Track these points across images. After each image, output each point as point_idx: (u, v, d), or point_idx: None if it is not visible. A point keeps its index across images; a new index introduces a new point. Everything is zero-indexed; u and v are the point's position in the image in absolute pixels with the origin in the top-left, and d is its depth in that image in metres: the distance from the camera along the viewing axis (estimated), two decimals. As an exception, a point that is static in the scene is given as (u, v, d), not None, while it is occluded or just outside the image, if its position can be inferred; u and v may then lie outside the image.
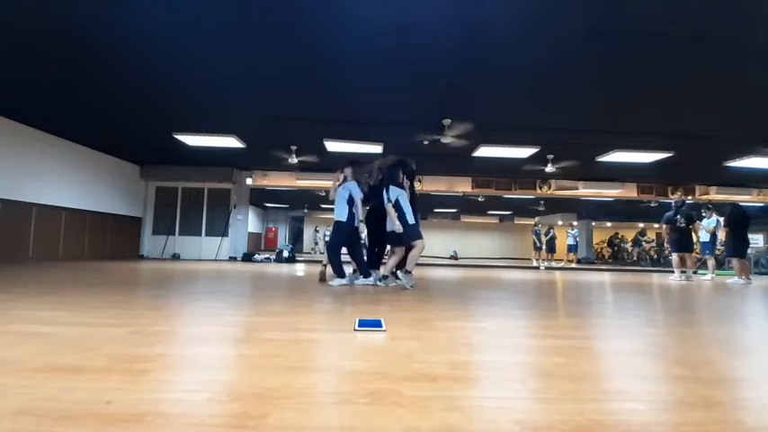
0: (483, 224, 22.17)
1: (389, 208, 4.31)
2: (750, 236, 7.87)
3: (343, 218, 4.54)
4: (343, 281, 4.46)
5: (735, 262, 7.44)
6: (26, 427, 0.92)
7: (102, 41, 4.23)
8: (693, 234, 7.57)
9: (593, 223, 18.24)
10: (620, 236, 18.43)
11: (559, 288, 5.36)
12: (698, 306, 3.80)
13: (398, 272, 4.50)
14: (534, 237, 13.81)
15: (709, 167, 9.09)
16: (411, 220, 4.33)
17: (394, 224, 4.28)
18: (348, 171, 4.71)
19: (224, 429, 0.94)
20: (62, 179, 8.01)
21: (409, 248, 4.46)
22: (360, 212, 4.60)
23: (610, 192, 11.34)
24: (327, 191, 5.47)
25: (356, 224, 4.59)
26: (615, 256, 17.54)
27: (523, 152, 7.98)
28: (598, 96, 5.49)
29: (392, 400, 1.13)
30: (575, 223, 17.29)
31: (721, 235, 8.99)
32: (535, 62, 4.49)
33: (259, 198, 17.12)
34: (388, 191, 4.36)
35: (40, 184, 7.47)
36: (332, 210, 4.85)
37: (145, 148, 8.96)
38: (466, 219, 22.05)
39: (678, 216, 7.46)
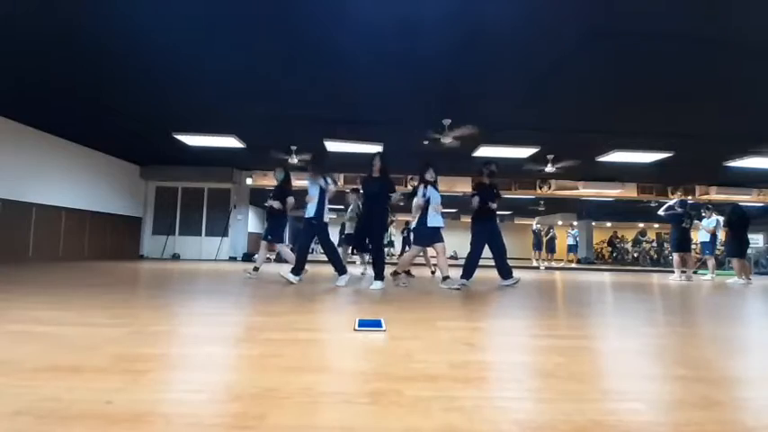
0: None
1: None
2: (750, 236, 7.87)
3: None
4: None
5: (735, 262, 7.44)
6: (26, 427, 0.92)
7: (102, 41, 4.23)
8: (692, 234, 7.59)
9: (593, 223, 18.24)
10: (620, 236, 18.43)
11: (559, 288, 5.36)
12: (698, 306, 3.80)
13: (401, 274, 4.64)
14: (533, 236, 13.86)
15: (709, 167, 9.09)
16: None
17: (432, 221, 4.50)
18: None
19: (224, 429, 0.94)
20: (62, 179, 8.01)
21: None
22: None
23: (610, 192, 11.34)
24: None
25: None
26: (615, 257, 17.55)
27: (523, 152, 7.98)
28: (598, 96, 5.48)
29: (392, 400, 1.13)
30: (575, 223, 17.29)
31: (721, 235, 8.99)
32: (535, 62, 4.49)
33: (259, 198, 17.11)
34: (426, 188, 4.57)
35: (40, 184, 7.47)
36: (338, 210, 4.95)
37: (145, 148, 8.96)
38: (466, 219, 22.09)
39: (685, 217, 7.42)
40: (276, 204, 5.31)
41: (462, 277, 4.70)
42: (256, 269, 5.27)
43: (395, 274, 4.86)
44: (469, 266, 4.82)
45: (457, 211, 19.87)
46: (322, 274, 6.09)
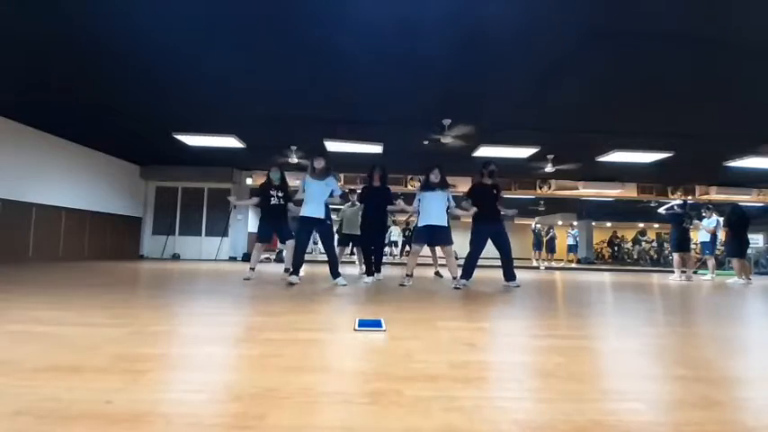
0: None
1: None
2: (750, 236, 7.87)
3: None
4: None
5: (735, 262, 7.44)
6: (26, 427, 0.92)
7: (102, 41, 4.23)
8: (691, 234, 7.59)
9: (593, 223, 18.23)
10: (620, 236, 18.42)
11: (559, 288, 5.37)
12: (698, 306, 3.80)
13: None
14: (533, 236, 13.88)
15: (709, 167, 9.09)
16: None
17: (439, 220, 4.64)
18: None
19: (224, 429, 0.94)
20: (62, 179, 8.01)
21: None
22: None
23: (610, 192, 11.34)
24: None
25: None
26: (615, 256, 17.54)
27: (523, 152, 7.98)
28: (598, 96, 5.48)
29: (392, 400, 1.13)
30: (575, 223, 17.28)
31: (721, 235, 8.99)
32: (535, 62, 4.49)
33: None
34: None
35: (40, 184, 7.47)
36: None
37: (145, 148, 8.96)
38: (466, 219, 22.08)
39: (686, 217, 7.42)
40: (292, 206, 5.31)
41: (462, 278, 4.70)
42: (252, 269, 5.25)
43: (407, 276, 4.84)
44: (468, 266, 4.82)
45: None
46: (321, 274, 6.09)
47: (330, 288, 4.17)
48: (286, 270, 5.20)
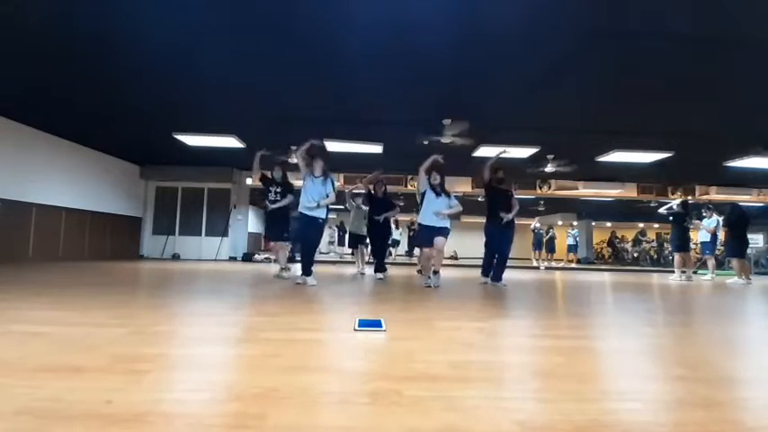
0: (483, 224, 22.11)
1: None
2: (750, 236, 7.86)
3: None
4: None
5: (734, 262, 7.44)
6: (26, 426, 0.92)
7: (102, 42, 4.23)
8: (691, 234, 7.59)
9: (593, 223, 18.22)
10: (619, 236, 18.40)
11: (559, 288, 5.37)
12: (698, 306, 3.80)
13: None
14: (533, 236, 13.88)
15: (709, 167, 9.08)
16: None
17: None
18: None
19: (224, 429, 0.94)
20: (62, 179, 8.01)
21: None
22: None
23: (610, 192, 11.34)
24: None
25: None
26: (615, 256, 17.53)
27: (523, 152, 7.98)
28: (598, 96, 5.48)
29: (392, 400, 1.13)
30: (575, 223, 17.27)
31: (721, 235, 8.99)
32: (535, 62, 4.49)
33: (259, 198, 17.08)
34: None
35: (40, 184, 7.46)
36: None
37: (145, 148, 8.95)
38: (466, 219, 22.08)
39: (687, 217, 7.42)
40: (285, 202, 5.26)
41: (496, 280, 5.01)
42: (287, 269, 5.19)
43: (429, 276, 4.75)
44: (494, 266, 5.17)
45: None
46: (322, 274, 6.09)
47: (330, 288, 4.17)
48: (282, 269, 5.18)
